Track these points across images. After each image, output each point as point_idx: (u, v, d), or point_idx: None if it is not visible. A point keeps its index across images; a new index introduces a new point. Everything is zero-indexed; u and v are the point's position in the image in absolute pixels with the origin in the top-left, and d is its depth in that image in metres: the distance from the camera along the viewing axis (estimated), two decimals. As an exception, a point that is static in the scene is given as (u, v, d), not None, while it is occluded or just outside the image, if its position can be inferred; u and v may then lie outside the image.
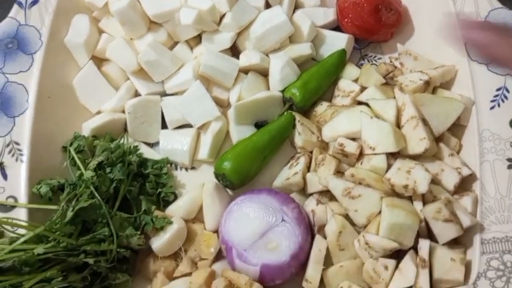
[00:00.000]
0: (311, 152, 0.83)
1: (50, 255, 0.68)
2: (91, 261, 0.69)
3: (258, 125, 0.86)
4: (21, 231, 0.72)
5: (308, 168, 0.81)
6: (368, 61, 0.92)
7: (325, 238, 0.75)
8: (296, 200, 0.80)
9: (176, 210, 0.80)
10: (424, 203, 0.72)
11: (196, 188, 0.82)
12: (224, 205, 0.80)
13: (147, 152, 0.86)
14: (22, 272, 0.66)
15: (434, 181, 0.73)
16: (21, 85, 0.80)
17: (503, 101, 0.76)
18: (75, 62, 0.88)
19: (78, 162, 0.78)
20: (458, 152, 0.78)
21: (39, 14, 0.84)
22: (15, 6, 0.84)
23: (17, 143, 0.77)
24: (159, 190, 0.82)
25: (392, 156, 0.75)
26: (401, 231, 0.69)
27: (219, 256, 0.79)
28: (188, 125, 0.86)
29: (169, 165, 0.85)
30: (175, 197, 0.83)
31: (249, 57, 0.85)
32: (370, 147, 0.75)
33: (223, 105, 0.88)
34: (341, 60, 0.87)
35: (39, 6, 0.85)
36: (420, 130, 0.73)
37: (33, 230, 0.68)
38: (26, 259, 0.65)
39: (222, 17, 0.86)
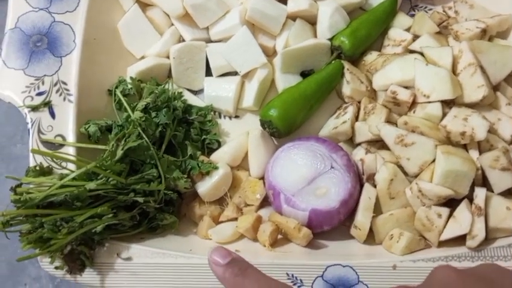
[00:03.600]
0: (359, 102, 0.81)
1: (101, 192, 0.68)
2: (140, 199, 0.69)
3: (305, 74, 0.84)
4: (70, 168, 0.72)
5: (356, 118, 0.80)
6: (419, 12, 0.89)
7: (374, 187, 0.74)
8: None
9: (221, 157, 0.79)
10: (480, 152, 0.70)
11: (241, 135, 0.81)
12: (270, 152, 0.79)
13: (191, 99, 0.84)
14: (73, 207, 0.66)
15: (490, 130, 0.71)
16: (67, 25, 0.79)
17: None
18: (120, 5, 0.86)
19: (125, 104, 0.77)
20: (514, 102, 0.75)
21: (84, -45, 0.83)
22: None
23: (65, 83, 0.77)
24: (204, 137, 0.81)
25: (447, 105, 0.73)
26: (457, 178, 0.68)
27: (263, 203, 0.78)
28: (233, 74, 0.84)
29: (212, 113, 0.84)
30: (219, 145, 0.82)
31: (298, 2, 0.83)
32: (424, 95, 0.73)
33: (268, 54, 0.86)
34: (391, 9, 0.85)
35: None
36: (478, 77, 0.71)
37: (84, 165, 0.67)
38: (77, 194, 0.65)
39: (270, -39, 0.84)
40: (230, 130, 0.84)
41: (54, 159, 0.71)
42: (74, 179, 0.67)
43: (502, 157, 0.67)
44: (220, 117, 0.85)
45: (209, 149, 0.82)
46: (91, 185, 0.66)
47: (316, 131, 0.82)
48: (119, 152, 0.69)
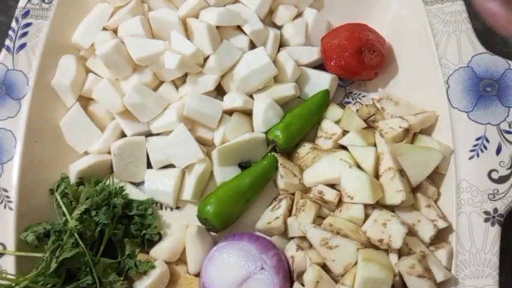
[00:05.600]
0: (293, 194, 0.84)
1: (36, 306, 0.71)
2: (75, 310, 0.72)
3: (242, 166, 0.88)
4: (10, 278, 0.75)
5: (290, 212, 0.83)
6: (353, 99, 0.92)
7: (303, 286, 0.77)
8: (277, 243, 0.82)
9: (159, 253, 0.82)
10: (400, 255, 0.73)
11: (179, 229, 0.84)
12: (206, 248, 0.82)
13: (132, 192, 0.87)
14: (8, 324, 0.69)
15: (411, 232, 0.74)
16: (9, 131, 0.82)
17: (482, 151, 0.76)
18: (63, 103, 0.89)
19: (64, 208, 0.80)
20: (436, 200, 0.78)
21: (26, 58, 0.86)
22: (4, 51, 0.86)
23: (5, 190, 0.80)
24: (144, 232, 0.84)
25: (371, 205, 0.76)
26: (375, 285, 0.71)
27: (201, 298, 0.81)
28: (173, 165, 0.87)
29: (154, 205, 0.87)
30: (160, 237, 0.85)
31: (233, 99, 0.86)
32: (349, 196, 0.76)
33: (208, 144, 0.89)
34: (324, 101, 0.88)
35: (26, 50, 0.86)
36: (397, 182, 0.74)
37: (19, 283, 0.70)
38: (12, 312, 0.68)
39: (206, 58, 0.87)
40: (171, 221, 0.87)
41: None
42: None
43: (417, 265, 0.70)
44: (161, 208, 0.88)
45: (150, 241, 0.84)
46: (24, 303, 0.69)
47: (253, 221, 0.85)
48: (54, 265, 0.72)
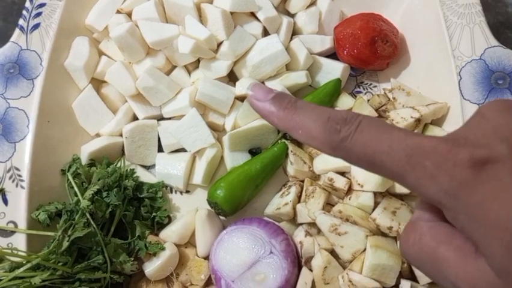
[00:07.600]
0: (303, 181, 0.85)
1: (47, 283, 0.71)
2: (85, 289, 0.73)
3: (252, 152, 0.88)
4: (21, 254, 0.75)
5: (299, 198, 0.83)
6: (364, 89, 0.93)
7: (311, 270, 0.78)
8: (286, 228, 0.83)
9: (169, 235, 0.83)
10: (408, 243, 0.74)
11: (189, 213, 0.85)
12: (216, 232, 0.83)
13: (143, 175, 0.88)
14: (20, 301, 0.70)
15: (419, 221, 0.75)
16: (22, 110, 0.82)
17: (492, 142, 0.76)
18: (75, 84, 0.89)
19: (75, 188, 0.80)
20: (445, 191, 0.79)
21: (40, 38, 0.86)
22: (17, 31, 0.86)
23: (18, 169, 0.80)
24: (154, 214, 0.85)
25: (380, 193, 0.77)
26: (383, 271, 0.72)
27: (209, 282, 0.82)
28: (184, 149, 0.88)
29: (164, 188, 0.88)
30: (170, 220, 0.86)
31: (245, 86, 0.86)
32: (359, 184, 0.77)
33: (219, 130, 0.90)
34: (335, 90, 0.88)
35: (40, 30, 0.86)
36: (407, 171, 0.75)
37: (31, 260, 0.71)
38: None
39: (220, 44, 0.87)
40: (181, 204, 0.88)
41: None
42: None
43: (425, 252, 0.71)
44: (171, 191, 0.89)
45: (159, 224, 0.85)
46: (37, 280, 0.70)
47: (263, 206, 0.86)
48: (65, 243, 0.73)
